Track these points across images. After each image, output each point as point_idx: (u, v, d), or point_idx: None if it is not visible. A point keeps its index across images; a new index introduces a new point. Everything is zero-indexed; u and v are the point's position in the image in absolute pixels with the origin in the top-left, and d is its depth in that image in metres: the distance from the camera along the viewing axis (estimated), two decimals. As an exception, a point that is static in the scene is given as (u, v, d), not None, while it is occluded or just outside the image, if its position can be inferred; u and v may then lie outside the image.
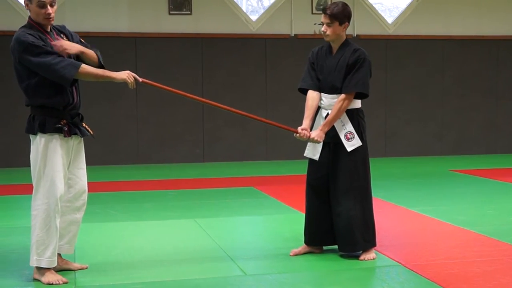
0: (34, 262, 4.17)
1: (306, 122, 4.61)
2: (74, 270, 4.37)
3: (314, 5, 10.99)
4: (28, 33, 4.03)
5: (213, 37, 10.73)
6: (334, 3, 4.68)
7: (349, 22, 4.67)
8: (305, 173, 4.81)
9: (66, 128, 4.13)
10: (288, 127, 4.63)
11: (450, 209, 6.58)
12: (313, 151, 4.72)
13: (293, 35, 10.95)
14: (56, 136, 4.12)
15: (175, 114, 10.65)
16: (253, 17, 11.06)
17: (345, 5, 4.67)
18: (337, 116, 4.58)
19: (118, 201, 7.10)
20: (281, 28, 10.97)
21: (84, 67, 4.09)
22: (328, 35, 4.62)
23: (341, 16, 4.60)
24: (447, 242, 5.12)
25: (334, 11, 4.59)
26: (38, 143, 4.11)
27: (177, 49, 10.63)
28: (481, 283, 4.03)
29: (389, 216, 6.26)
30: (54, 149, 4.11)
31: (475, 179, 8.78)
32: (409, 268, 4.39)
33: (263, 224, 6.16)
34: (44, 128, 4.09)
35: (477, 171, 9.55)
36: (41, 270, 4.17)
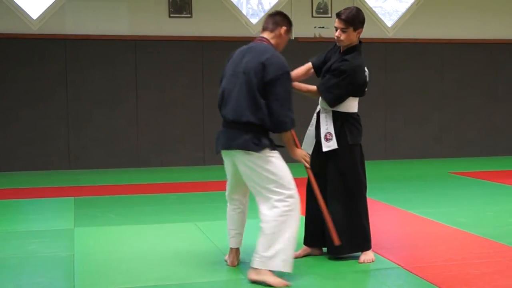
0: (279, 265, 4.11)
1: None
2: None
3: (315, 8, 10.99)
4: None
5: (214, 40, 10.75)
6: (348, 8, 4.60)
7: (362, 27, 4.59)
8: (307, 176, 4.82)
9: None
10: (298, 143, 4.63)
11: (449, 211, 6.60)
12: (306, 146, 4.81)
13: (293, 38, 10.95)
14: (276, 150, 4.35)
15: (175, 118, 10.66)
16: (254, 20, 11.08)
17: (359, 11, 4.59)
18: (299, 87, 4.89)
19: (118, 204, 7.08)
20: (281, 31, 10.97)
21: None
22: (342, 40, 4.56)
23: (356, 22, 4.52)
24: (446, 244, 5.14)
25: (349, 16, 4.51)
26: (266, 159, 4.26)
27: (177, 52, 10.64)
28: (480, 285, 4.04)
29: (388, 218, 6.28)
30: (282, 161, 4.35)
31: (474, 182, 8.80)
32: (408, 270, 4.40)
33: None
34: (271, 145, 4.30)
35: (476, 173, 9.56)
36: (269, 273, 4.11)
